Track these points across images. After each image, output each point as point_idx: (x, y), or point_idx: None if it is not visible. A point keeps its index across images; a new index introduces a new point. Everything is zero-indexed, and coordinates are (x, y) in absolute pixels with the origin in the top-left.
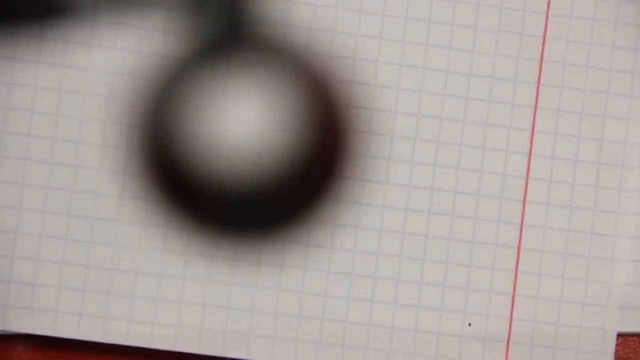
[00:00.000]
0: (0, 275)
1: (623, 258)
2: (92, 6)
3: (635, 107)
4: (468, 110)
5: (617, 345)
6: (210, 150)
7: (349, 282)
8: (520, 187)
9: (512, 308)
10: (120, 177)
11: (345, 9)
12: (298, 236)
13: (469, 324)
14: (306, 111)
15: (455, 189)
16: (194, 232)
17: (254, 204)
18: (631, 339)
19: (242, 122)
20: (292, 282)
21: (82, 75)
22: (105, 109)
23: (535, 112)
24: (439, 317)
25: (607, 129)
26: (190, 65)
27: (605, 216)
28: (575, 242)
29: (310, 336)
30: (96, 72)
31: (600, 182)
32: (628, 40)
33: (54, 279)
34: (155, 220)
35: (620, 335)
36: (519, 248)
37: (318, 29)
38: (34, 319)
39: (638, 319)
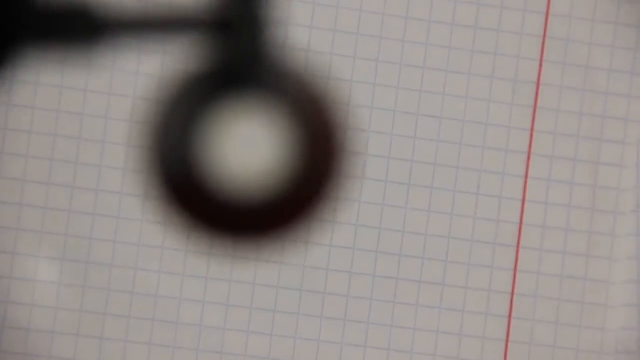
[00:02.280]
0: None
1: (616, 303)
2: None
3: (628, 154)
4: (462, 156)
5: None
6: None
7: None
8: (514, 232)
9: (505, 354)
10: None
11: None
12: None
13: None
14: (302, 131)
15: (448, 234)
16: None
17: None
18: None
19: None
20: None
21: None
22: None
23: (528, 157)
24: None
25: (600, 175)
26: (201, 88)
27: (598, 262)
28: (568, 288)
29: None
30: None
31: (594, 228)
32: (622, 86)
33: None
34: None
35: None
36: (512, 293)
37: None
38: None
39: None
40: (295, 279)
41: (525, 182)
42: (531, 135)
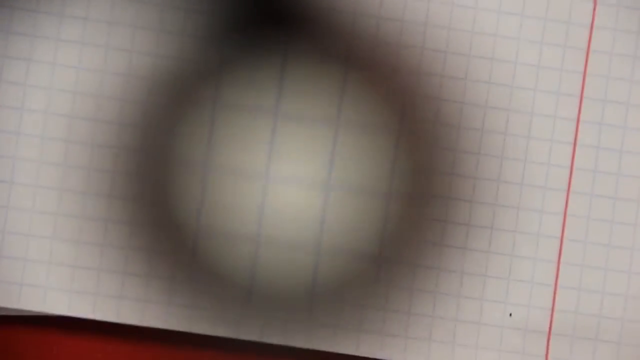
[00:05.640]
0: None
1: None
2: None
3: None
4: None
5: None
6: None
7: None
8: (565, 175)
9: (554, 299)
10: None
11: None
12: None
13: (510, 314)
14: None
15: (500, 177)
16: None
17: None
18: None
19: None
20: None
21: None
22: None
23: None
24: (479, 307)
25: None
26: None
27: None
28: (618, 234)
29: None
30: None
31: None
32: None
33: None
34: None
35: None
36: (561, 238)
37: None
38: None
39: None
40: None
41: (577, 127)
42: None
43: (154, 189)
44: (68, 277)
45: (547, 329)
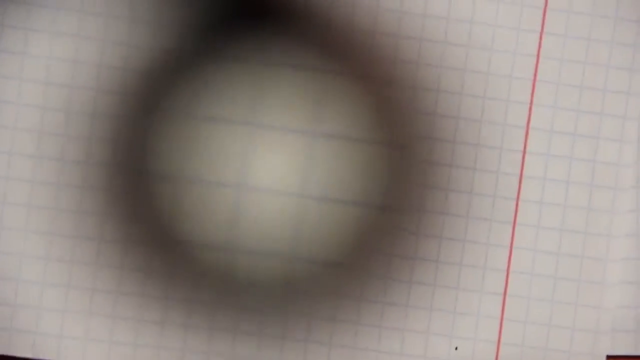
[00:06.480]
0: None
1: (614, 281)
2: None
3: (628, 128)
4: (459, 130)
5: None
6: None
7: (334, 305)
8: (511, 209)
9: (500, 332)
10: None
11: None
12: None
13: (456, 348)
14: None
15: (446, 210)
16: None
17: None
18: None
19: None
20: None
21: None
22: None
23: (527, 132)
24: (425, 341)
25: (600, 151)
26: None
27: (596, 239)
28: (565, 266)
29: None
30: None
31: (592, 204)
32: (623, 59)
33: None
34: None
35: (610, 357)
36: (508, 270)
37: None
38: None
39: (628, 342)
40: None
41: (524, 156)
42: (530, 108)
43: (124, 203)
44: (33, 320)
45: None
